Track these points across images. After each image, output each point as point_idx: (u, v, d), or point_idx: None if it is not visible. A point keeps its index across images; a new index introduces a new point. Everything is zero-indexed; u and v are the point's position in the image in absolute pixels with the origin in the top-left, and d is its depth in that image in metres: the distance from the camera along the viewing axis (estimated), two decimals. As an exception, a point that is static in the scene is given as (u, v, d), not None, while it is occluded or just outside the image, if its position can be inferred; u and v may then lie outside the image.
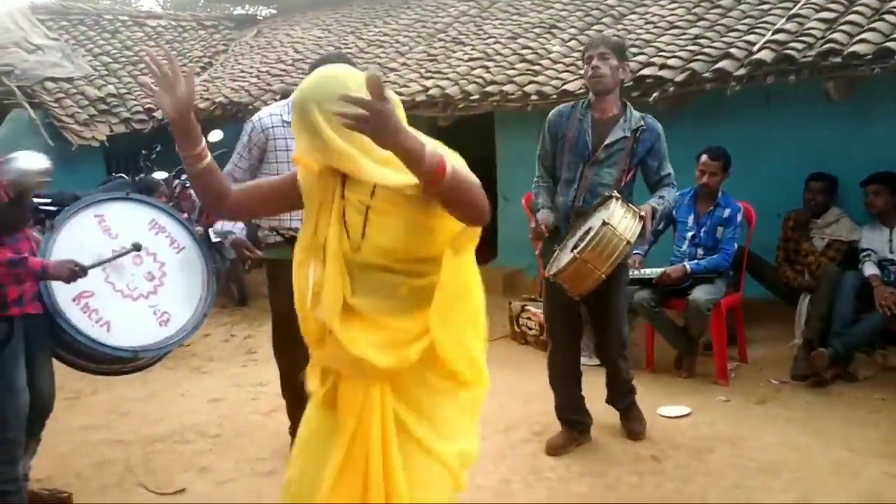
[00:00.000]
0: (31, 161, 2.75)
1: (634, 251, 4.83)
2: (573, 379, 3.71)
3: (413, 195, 1.77)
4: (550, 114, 3.62)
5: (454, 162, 1.71)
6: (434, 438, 1.89)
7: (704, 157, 4.77)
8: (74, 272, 2.79)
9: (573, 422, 3.71)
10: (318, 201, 1.88)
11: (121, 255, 3.03)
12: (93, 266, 2.90)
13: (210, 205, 2.01)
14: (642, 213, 3.25)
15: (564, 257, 3.33)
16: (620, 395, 3.79)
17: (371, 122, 1.56)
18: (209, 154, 1.89)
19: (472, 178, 1.75)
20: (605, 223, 3.18)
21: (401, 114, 1.66)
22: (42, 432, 3.22)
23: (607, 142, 3.42)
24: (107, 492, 3.44)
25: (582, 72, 3.58)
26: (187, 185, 7.17)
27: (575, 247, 3.28)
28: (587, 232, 3.28)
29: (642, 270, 4.72)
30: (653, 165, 3.47)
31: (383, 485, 1.84)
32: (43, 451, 3.35)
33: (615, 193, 3.31)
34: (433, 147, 1.66)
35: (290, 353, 3.54)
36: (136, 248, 3.08)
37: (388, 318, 1.84)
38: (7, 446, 2.83)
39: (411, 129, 1.64)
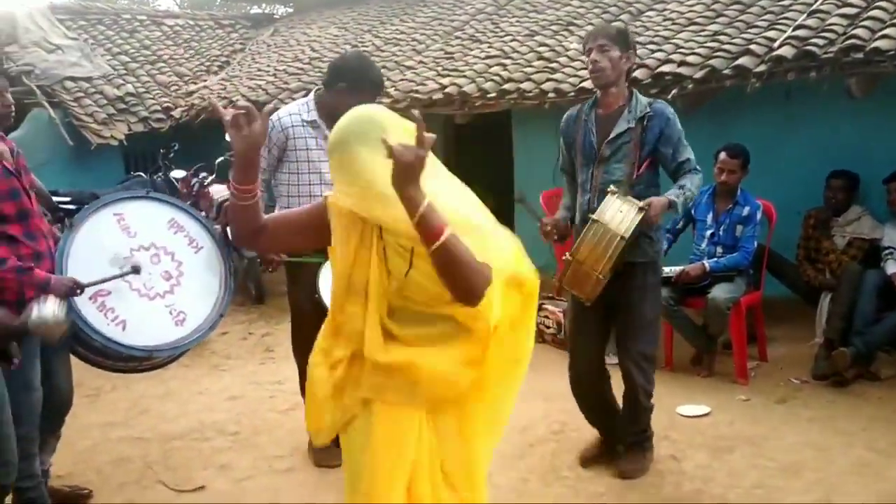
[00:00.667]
0: (50, 311, 2.71)
1: None
2: (600, 382, 3.46)
3: None
4: (562, 121, 3.49)
5: (460, 240, 1.71)
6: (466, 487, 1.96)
7: (723, 155, 4.73)
8: (72, 290, 2.79)
9: (600, 421, 3.54)
10: (355, 241, 1.86)
11: (119, 276, 3.00)
12: (90, 285, 2.89)
13: (246, 239, 1.99)
14: (642, 205, 3.07)
15: None
16: (630, 430, 3.44)
17: (409, 166, 1.61)
18: (259, 193, 1.90)
19: (473, 260, 1.73)
20: (593, 220, 3.05)
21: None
22: (62, 429, 3.26)
23: (610, 137, 3.25)
24: (126, 489, 3.46)
25: None
26: (205, 183, 7.22)
27: None
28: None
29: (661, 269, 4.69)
30: (667, 153, 3.22)
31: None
32: (63, 447, 3.38)
33: (611, 188, 3.16)
34: (440, 214, 1.68)
35: (309, 351, 3.55)
36: (136, 270, 3.05)
37: (428, 336, 1.87)
38: (21, 444, 2.85)
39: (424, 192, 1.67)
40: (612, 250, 3.03)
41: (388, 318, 1.87)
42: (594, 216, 3.07)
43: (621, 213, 3.06)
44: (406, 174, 1.62)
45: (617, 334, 3.43)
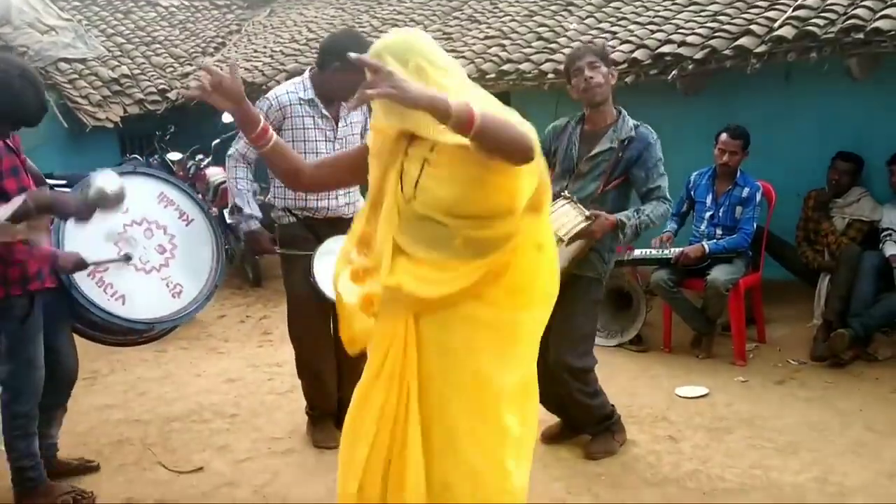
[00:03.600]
0: (108, 181, 2.77)
1: (664, 230, 4.78)
2: (548, 382, 3.32)
3: (472, 151, 1.83)
4: (547, 129, 3.44)
5: (486, 108, 1.80)
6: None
7: (724, 136, 4.71)
8: (77, 265, 2.87)
9: (561, 416, 3.56)
10: (385, 161, 2.03)
11: (113, 261, 3.08)
12: (93, 264, 2.97)
13: (286, 182, 2.30)
14: (588, 215, 3.05)
15: None
16: (587, 423, 3.44)
17: (386, 84, 1.71)
18: (274, 134, 2.06)
19: (507, 119, 1.83)
20: None
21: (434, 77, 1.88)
22: (68, 401, 3.31)
23: (591, 154, 3.24)
24: (126, 470, 3.47)
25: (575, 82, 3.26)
26: (202, 165, 7.19)
27: None
28: None
29: (661, 251, 4.69)
30: (639, 175, 3.21)
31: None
32: (63, 429, 3.38)
33: (565, 193, 3.13)
34: (462, 100, 1.76)
35: (306, 335, 3.55)
36: (127, 258, 3.11)
37: (437, 261, 1.96)
38: (21, 420, 2.88)
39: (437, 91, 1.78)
40: None
41: (400, 234, 1.99)
42: None
43: (566, 217, 3.03)
44: (401, 93, 1.71)
45: (551, 343, 3.24)
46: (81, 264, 2.87)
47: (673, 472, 3.26)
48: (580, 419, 3.48)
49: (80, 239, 2.98)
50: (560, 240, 2.95)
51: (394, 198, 1.99)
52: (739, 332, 4.57)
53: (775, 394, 4.08)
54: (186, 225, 3.28)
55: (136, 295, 3.07)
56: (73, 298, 2.98)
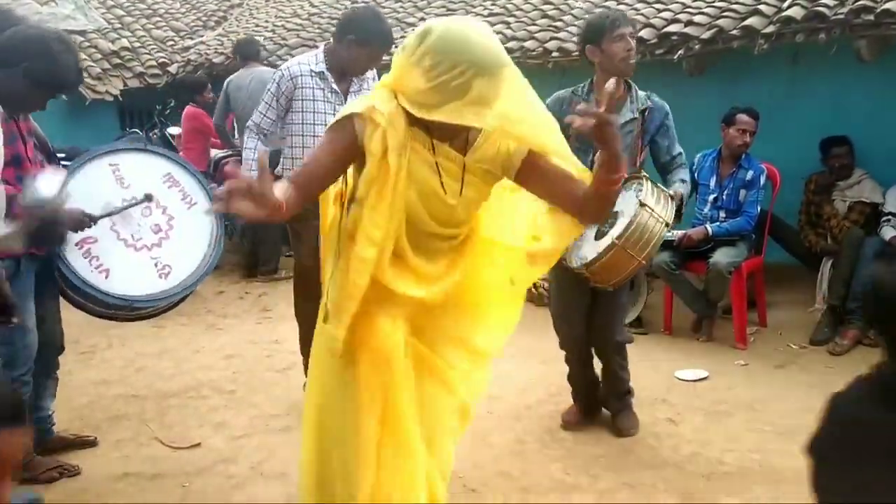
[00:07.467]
0: (47, 186, 2.66)
1: None
2: (587, 365, 3.55)
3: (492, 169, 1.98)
4: (548, 102, 3.35)
5: None
6: (448, 370, 2.11)
7: (745, 117, 4.63)
8: (83, 221, 2.83)
9: (589, 400, 3.60)
10: (406, 156, 1.90)
11: (132, 205, 3.03)
12: (103, 216, 2.92)
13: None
14: (671, 193, 3.06)
15: (590, 246, 3.08)
16: (615, 396, 3.51)
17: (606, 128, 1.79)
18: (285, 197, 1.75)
19: None
20: (642, 204, 2.96)
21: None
22: (57, 371, 3.29)
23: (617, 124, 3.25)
24: (123, 445, 3.45)
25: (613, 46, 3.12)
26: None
27: (600, 234, 3.07)
28: (614, 216, 3.02)
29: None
30: (663, 145, 3.29)
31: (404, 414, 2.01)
32: (60, 404, 3.37)
33: (643, 173, 3.10)
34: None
35: (311, 308, 3.53)
36: (148, 198, 3.07)
37: (425, 265, 2.03)
38: (15, 385, 2.87)
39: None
40: (658, 238, 2.98)
41: (415, 254, 1.99)
42: (642, 200, 2.99)
43: (661, 201, 3.03)
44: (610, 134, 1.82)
45: (595, 319, 3.39)
46: (86, 219, 2.82)
47: (672, 454, 3.25)
48: (610, 392, 3.54)
49: (76, 203, 2.96)
50: (666, 224, 2.98)
51: (439, 198, 1.94)
52: (741, 316, 4.55)
53: (776, 378, 4.07)
54: (188, 208, 3.22)
55: (121, 270, 3.01)
56: (58, 267, 2.95)
